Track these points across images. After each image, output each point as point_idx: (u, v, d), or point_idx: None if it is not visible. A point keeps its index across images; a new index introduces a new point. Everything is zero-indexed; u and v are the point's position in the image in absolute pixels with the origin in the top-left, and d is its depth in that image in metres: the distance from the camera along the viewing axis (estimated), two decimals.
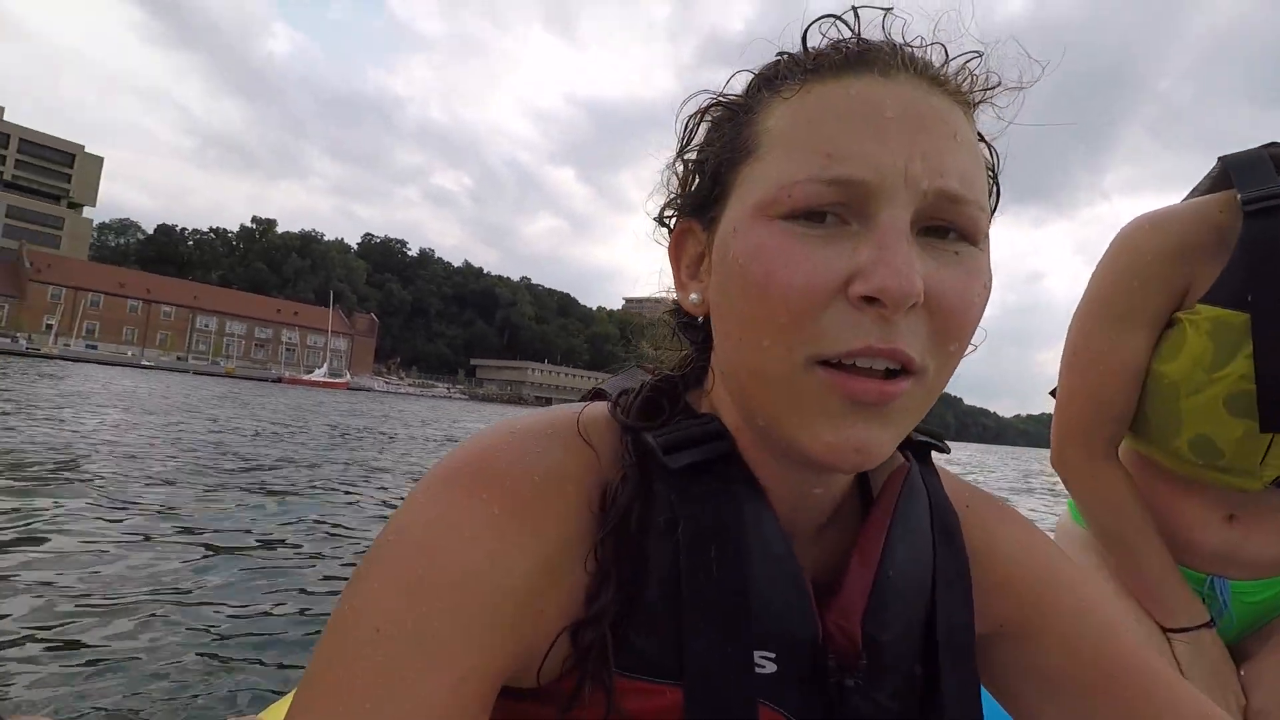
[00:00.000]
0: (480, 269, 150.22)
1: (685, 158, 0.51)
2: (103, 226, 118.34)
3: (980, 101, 0.46)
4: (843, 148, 0.41)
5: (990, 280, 0.44)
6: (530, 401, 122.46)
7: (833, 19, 0.46)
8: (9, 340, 64.31)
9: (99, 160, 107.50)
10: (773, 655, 0.44)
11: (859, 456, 0.41)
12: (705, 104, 0.50)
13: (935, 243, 0.42)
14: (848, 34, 0.46)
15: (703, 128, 0.51)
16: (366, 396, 54.69)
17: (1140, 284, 0.96)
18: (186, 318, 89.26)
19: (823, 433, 0.41)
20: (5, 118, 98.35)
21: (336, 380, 72.41)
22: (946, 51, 0.45)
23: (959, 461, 32.40)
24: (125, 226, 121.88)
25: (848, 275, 0.40)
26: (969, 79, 0.45)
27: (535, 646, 0.42)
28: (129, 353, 76.93)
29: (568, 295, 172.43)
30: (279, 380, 67.64)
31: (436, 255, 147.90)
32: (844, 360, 0.40)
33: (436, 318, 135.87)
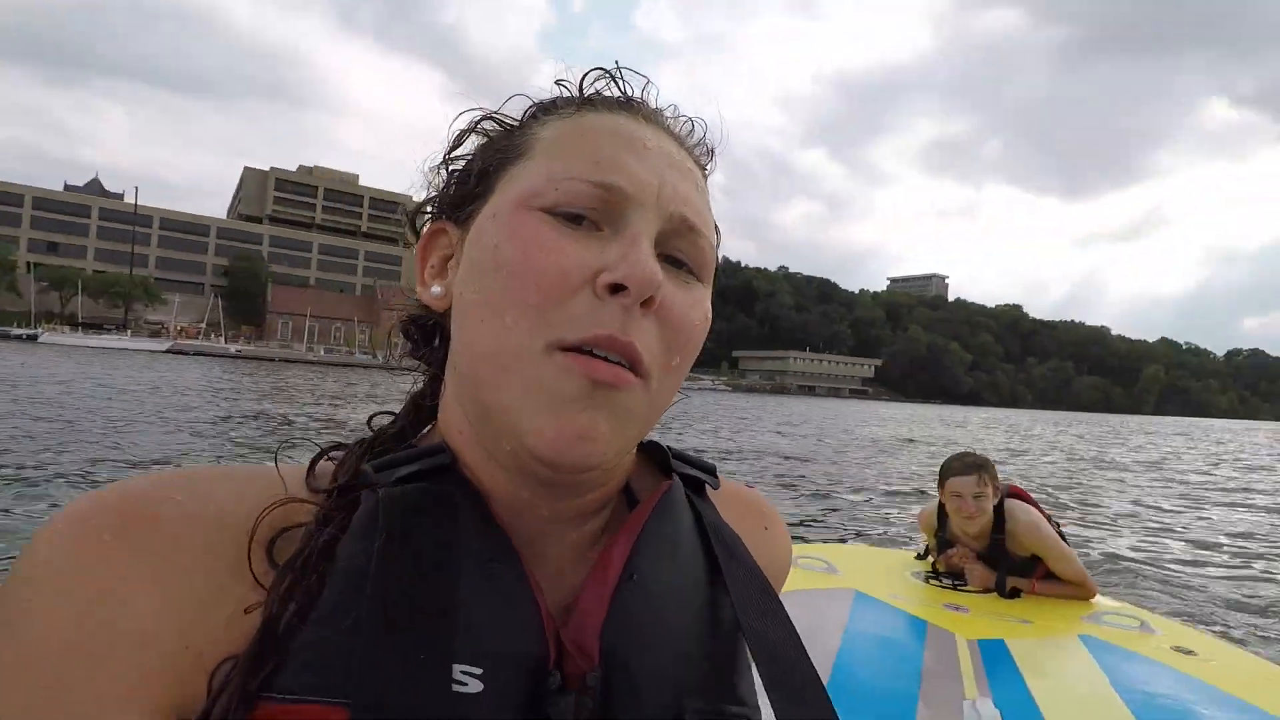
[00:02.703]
0: (738, 262, 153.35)
1: (449, 166, 0.53)
2: None
3: (708, 174, 0.53)
4: (609, 159, 0.45)
5: (709, 317, 0.49)
6: (793, 391, 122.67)
7: (605, 72, 0.52)
8: (369, 356, 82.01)
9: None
10: (479, 672, 0.40)
11: (582, 445, 0.42)
12: (479, 118, 0.53)
13: (671, 269, 0.46)
14: (616, 91, 0.52)
15: (470, 145, 0.53)
16: None
17: None
18: None
19: (550, 421, 0.42)
20: (361, 182, 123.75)
21: None
22: (694, 124, 0.53)
23: None
24: None
25: (597, 268, 0.43)
26: (703, 152, 0.53)
27: (195, 693, 0.39)
28: None
29: (828, 280, 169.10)
30: None
31: None
32: (583, 346, 0.42)
33: None
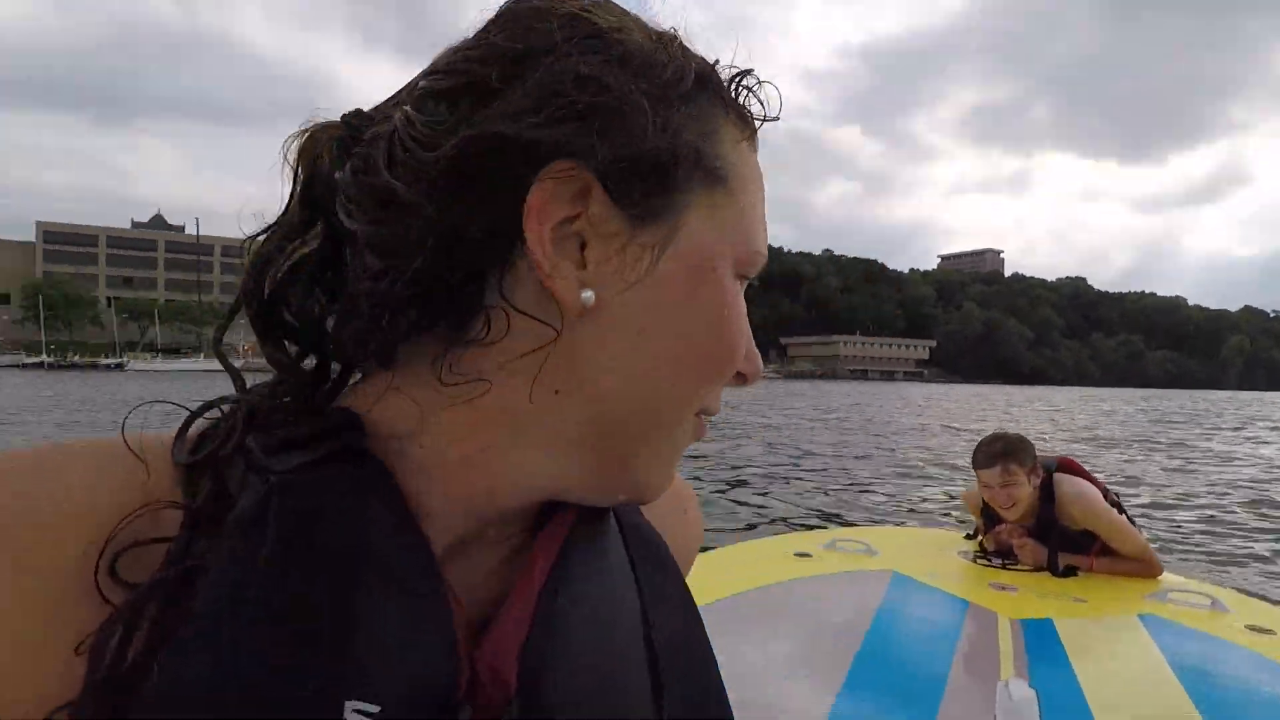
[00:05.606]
0: (779, 248, 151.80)
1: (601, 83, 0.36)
2: None
3: None
4: (765, 235, 0.44)
5: None
6: (845, 376, 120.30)
7: (752, 78, 0.43)
8: None
9: None
10: (375, 710, 0.32)
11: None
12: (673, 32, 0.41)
13: None
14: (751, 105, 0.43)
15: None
16: None
17: None
18: None
19: (666, 475, 0.44)
20: None
21: None
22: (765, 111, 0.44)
23: None
24: None
25: None
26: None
27: None
28: None
29: (874, 261, 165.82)
30: None
31: None
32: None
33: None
